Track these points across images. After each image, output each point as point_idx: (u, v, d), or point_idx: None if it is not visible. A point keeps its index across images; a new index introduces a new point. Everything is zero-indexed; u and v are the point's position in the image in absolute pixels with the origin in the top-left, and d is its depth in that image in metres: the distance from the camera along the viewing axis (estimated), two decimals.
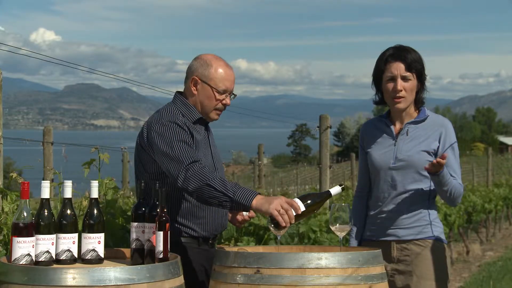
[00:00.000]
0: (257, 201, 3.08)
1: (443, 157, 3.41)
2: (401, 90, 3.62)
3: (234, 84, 3.58)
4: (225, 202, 3.12)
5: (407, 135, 3.68)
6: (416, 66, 3.63)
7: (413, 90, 3.65)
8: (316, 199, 3.24)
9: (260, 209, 3.08)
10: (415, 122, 3.70)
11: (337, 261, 2.90)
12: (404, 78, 3.62)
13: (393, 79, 3.63)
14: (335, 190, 3.35)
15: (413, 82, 3.63)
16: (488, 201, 14.83)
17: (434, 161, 3.43)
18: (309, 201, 3.21)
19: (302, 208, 3.16)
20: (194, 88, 3.54)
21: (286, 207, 3.06)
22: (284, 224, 3.07)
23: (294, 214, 3.10)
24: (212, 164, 3.56)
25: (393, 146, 3.68)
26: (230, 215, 3.66)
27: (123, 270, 2.58)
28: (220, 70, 3.51)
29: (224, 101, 3.54)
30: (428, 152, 3.63)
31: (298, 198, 3.21)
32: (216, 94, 3.51)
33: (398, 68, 3.61)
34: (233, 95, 3.59)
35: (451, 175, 3.60)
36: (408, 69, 3.61)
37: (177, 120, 3.39)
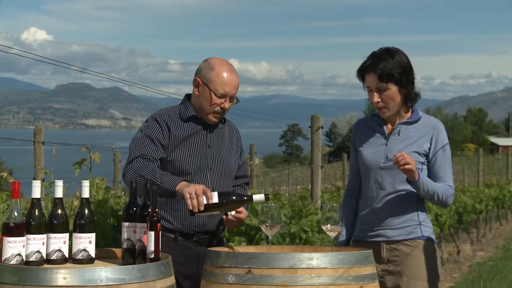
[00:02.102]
0: (179, 186, 3.26)
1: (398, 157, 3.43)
2: (378, 102, 3.61)
3: (236, 90, 3.58)
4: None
5: (398, 135, 3.68)
6: (389, 76, 3.54)
7: (394, 97, 3.59)
8: (233, 199, 3.25)
9: (178, 192, 3.25)
10: (408, 123, 3.69)
11: (328, 261, 2.91)
12: (379, 90, 3.59)
13: (371, 90, 3.62)
14: (257, 197, 3.27)
15: (391, 91, 3.58)
16: (479, 201, 14.88)
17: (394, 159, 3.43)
18: (225, 199, 3.24)
19: (215, 200, 3.21)
20: (196, 89, 3.60)
21: (198, 193, 3.17)
22: (190, 207, 3.16)
23: (205, 202, 3.17)
24: (205, 164, 3.55)
25: (384, 146, 3.68)
26: (225, 217, 3.53)
27: (114, 270, 2.57)
28: (222, 74, 3.53)
29: (222, 105, 3.55)
30: (419, 153, 3.63)
31: (219, 192, 3.27)
32: (214, 98, 3.53)
33: (372, 80, 3.59)
34: (235, 100, 3.60)
35: (439, 178, 3.60)
36: (380, 80, 3.56)
37: (157, 116, 3.57)
